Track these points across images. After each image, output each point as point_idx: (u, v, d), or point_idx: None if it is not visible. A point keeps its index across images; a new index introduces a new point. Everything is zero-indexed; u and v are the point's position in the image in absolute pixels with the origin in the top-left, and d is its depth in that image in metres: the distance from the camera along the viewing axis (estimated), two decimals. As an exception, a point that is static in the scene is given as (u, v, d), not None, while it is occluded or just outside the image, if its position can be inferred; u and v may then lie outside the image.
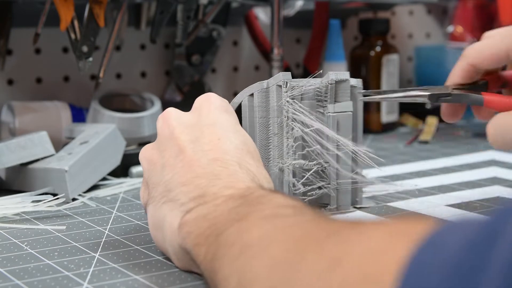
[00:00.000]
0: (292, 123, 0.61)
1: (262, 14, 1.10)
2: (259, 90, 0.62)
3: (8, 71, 0.96)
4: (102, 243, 0.58)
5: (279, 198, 0.46)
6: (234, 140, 0.54)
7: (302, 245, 0.38)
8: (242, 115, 0.62)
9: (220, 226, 0.45)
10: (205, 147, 0.52)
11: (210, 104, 0.56)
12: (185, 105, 1.05)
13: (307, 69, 1.08)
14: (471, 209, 0.66)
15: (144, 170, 0.56)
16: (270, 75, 0.98)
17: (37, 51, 0.98)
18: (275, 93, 0.61)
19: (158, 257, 0.54)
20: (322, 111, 0.62)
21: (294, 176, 0.62)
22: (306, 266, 0.35)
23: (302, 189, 0.62)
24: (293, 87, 0.61)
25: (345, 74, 0.63)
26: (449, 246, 0.29)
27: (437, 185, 0.75)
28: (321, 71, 0.66)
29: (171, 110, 0.57)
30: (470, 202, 0.68)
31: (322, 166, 0.62)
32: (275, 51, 0.96)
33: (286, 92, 0.61)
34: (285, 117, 0.61)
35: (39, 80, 0.99)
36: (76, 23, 0.82)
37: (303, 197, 0.63)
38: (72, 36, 0.82)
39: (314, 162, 0.62)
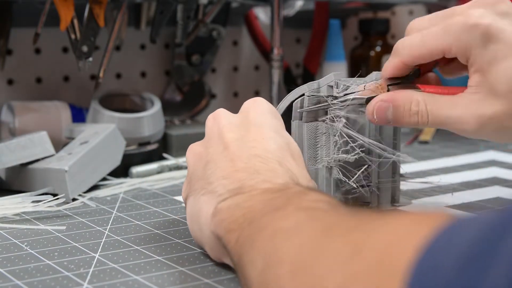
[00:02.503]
0: (338, 120, 0.61)
1: (262, 14, 1.10)
2: (310, 91, 0.62)
3: (8, 71, 0.96)
4: (102, 243, 0.58)
5: (316, 194, 0.47)
6: (278, 141, 0.55)
7: (330, 233, 0.39)
8: (293, 115, 0.62)
9: (255, 214, 0.46)
10: (249, 144, 0.54)
11: (257, 107, 0.57)
12: (185, 105, 1.05)
13: (307, 69, 1.08)
14: (471, 209, 0.66)
15: (189, 165, 0.57)
16: (270, 75, 0.98)
17: (37, 51, 0.98)
18: (326, 93, 0.61)
19: (158, 257, 0.54)
20: (363, 110, 0.61)
21: (339, 174, 0.62)
22: (330, 252, 0.37)
23: (347, 186, 0.62)
24: (345, 87, 0.61)
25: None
26: (461, 239, 0.30)
27: (437, 185, 0.75)
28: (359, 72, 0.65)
29: (221, 111, 0.58)
30: (470, 202, 0.68)
31: (365, 165, 0.62)
32: (275, 51, 0.96)
33: (339, 93, 0.61)
34: (331, 115, 0.61)
35: (39, 80, 0.99)
36: (76, 23, 0.82)
37: (346, 195, 0.63)
38: (72, 36, 0.82)
39: (356, 155, 0.61)
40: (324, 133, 0.62)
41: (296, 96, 0.62)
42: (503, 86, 0.55)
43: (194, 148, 0.58)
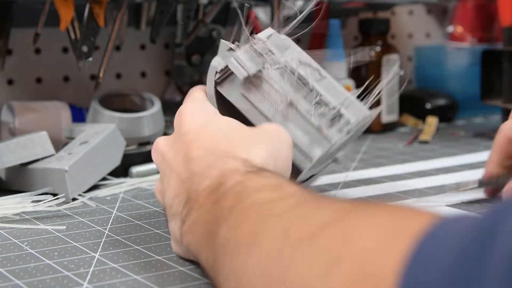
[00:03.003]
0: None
1: (262, 14, 1.10)
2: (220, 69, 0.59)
3: (8, 71, 0.96)
4: (102, 243, 0.58)
5: (255, 179, 0.46)
6: (207, 133, 0.54)
7: (294, 238, 0.37)
8: (228, 98, 0.60)
9: (212, 229, 0.45)
10: (183, 154, 0.54)
11: (182, 115, 0.57)
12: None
13: (307, 69, 1.08)
14: (471, 209, 0.66)
15: (161, 204, 0.58)
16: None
17: (37, 51, 0.98)
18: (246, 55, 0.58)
19: (158, 257, 0.54)
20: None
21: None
22: (302, 263, 0.35)
23: (320, 111, 0.57)
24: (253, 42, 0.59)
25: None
26: (449, 242, 0.29)
27: (437, 185, 0.75)
28: None
29: (158, 139, 0.58)
30: (470, 202, 0.68)
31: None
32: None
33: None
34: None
35: (39, 80, 0.99)
36: (76, 23, 0.82)
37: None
38: (72, 36, 0.82)
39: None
40: (262, 82, 0.58)
41: (213, 73, 0.59)
42: None
43: (156, 188, 0.58)
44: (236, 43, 0.60)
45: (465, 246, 0.29)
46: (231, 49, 0.59)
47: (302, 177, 0.59)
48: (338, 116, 0.57)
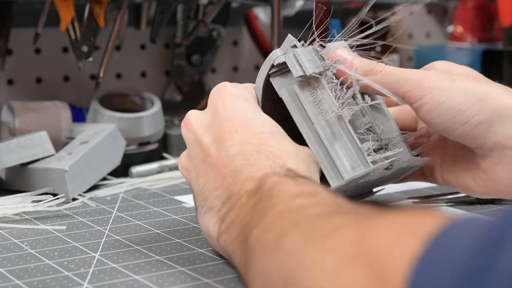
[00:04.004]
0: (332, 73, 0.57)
1: (262, 14, 1.10)
2: (277, 58, 0.57)
3: (8, 71, 0.96)
4: (102, 243, 0.58)
5: (289, 185, 0.46)
6: (253, 127, 0.53)
7: (308, 239, 0.38)
8: (277, 86, 0.57)
9: (247, 229, 0.45)
10: (226, 144, 0.52)
11: (223, 96, 0.55)
12: (185, 105, 1.05)
13: (307, 69, 1.08)
14: (471, 209, 0.66)
15: (186, 179, 0.57)
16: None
17: (37, 51, 0.98)
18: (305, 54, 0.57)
19: (158, 257, 0.54)
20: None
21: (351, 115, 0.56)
22: (314, 262, 0.35)
23: (367, 136, 0.56)
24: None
25: None
26: (458, 246, 0.29)
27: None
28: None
29: (190, 114, 0.56)
30: (470, 201, 0.68)
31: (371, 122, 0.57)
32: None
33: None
34: (328, 69, 0.56)
35: (39, 80, 0.99)
36: (76, 23, 0.82)
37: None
38: (72, 36, 0.82)
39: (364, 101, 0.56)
40: (317, 87, 0.56)
41: (268, 68, 0.58)
42: None
43: (181, 162, 0.56)
44: (302, 41, 0.58)
45: (476, 248, 0.29)
46: (295, 45, 0.58)
47: None
48: (384, 148, 0.56)
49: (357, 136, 0.55)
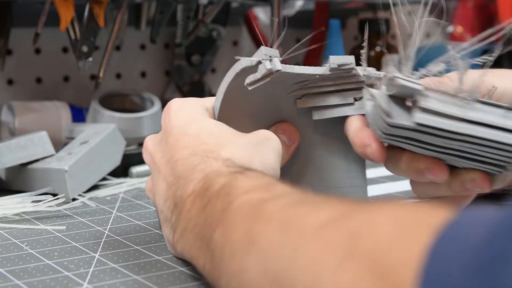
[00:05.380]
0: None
1: (262, 14, 1.10)
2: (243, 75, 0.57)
3: (8, 71, 0.96)
4: (102, 243, 0.58)
5: (241, 180, 0.45)
6: (190, 131, 0.53)
7: (295, 233, 0.36)
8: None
9: (205, 234, 0.45)
10: (169, 154, 0.53)
11: (168, 111, 0.56)
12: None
13: (307, 69, 1.08)
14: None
15: (152, 201, 0.58)
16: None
17: (37, 51, 0.98)
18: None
19: (158, 257, 0.54)
20: None
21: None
22: (308, 257, 0.34)
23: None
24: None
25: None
26: (469, 237, 0.29)
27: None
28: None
29: (147, 139, 0.58)
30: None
31: None
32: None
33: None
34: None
35: (39, 80, 0.99)
36: (76, 23, 0.82)
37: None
38: (72, 36, 0.82)
39: None
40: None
41: (235, 71, 0.58)
42: None
43: (146, 186, 0.58)
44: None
45: (488, 238, 0.28)
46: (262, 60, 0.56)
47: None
48: None
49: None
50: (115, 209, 0.68)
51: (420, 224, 0.31)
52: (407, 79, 0.52)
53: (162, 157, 0.54)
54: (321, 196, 0.41)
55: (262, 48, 0.55)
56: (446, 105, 0.50)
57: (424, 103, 0.50)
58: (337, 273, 0.32)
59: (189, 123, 0.54)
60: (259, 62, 0.55)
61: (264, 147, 0.53)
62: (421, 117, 0.49)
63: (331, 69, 0.57)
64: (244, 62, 0.56)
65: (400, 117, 0.50)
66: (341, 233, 0.34)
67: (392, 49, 1.09)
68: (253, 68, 0.55)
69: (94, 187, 0.74)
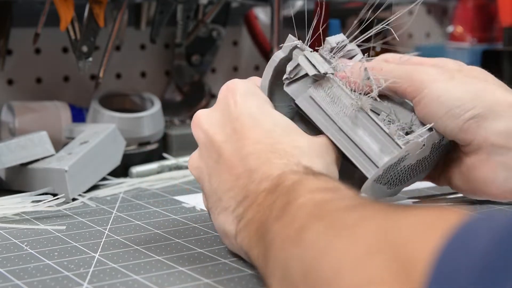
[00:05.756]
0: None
1: (262, 14, 1.10)
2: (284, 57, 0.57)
3: (8, 71, 0.96)
4: (102, 243, 0.58)
5: (310, 181, 0.46)
6: (264, 125, 0.53)
7: (333, 230, 0.38)
8: (296, 101, 0.57)
9: (266, 226, 0.45)
10: (238, 144, 0.52)
11: (234, 93, 0.55)
12: (185, 105, 1.05)
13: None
14: (471, 209, 0.66)
15: (197, 180, 0.56)
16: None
17: (37, 51, 0.98)
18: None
19: (158, 257, 0.54)
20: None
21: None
22: (336, 252, 0.36)
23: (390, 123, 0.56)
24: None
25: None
26: (479, 239, 0.30)
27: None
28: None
29: (199, 113, 0.56)
30: (470, 201, 0.68)
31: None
32: (275, 51, 0.96)
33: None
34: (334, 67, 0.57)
35: (39, 80, 0.99)
36: (76, 23, 0.82)
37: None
38: (72, 36, 0.82)
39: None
40: (331, 86, 0.56)
41: (272, 66, 0.57)
42: None
43: (192, 162, 0.56)
44: (300, 41, 0.58)
45: (497, 240, 0.29)
46: (296, 46, 0.57)
47: (366, 188, 0.56)
48: (409, 132, 0.56)
49: (382, 123, 0.55)
50: (115, 209, 0.68)
51: (438, 225, 0.32)
52: (313, 59, 0.56)
53: (225, 141, 0.53)
54: (378, 202, 0.42)
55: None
56: (327, 99, 0.55)
57: (312, 89, 0.56)
58: (359, 265, 0.34)
59: (260, 114, 0.53)
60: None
61: (328, 157, 0.54)
62: (300, 100, 0.56)
63: (331, 49, 0.60)
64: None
65: (295, 88, 0.56)
66: (369, 230, 0.36)
67: (392, 49, 1.09)
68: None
69: (94, 187, 0.74)
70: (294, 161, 0.50)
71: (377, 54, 1.10)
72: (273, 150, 0.51)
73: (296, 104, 0.57)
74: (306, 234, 0.40)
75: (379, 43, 0.61)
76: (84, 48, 0.82)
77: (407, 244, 0.32)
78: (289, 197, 0.45)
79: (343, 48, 0.60)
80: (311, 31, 0.58)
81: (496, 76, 0.61)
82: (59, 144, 0.82)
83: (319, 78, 0.56)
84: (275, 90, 0.58)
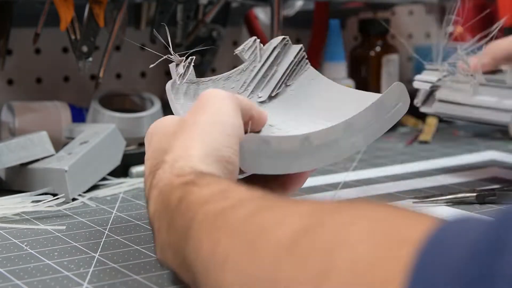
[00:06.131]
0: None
1: (262, 14, 1.10)
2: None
3: (8, 71, 0.96)
4: (102, 243, 0.58)
5: (196, 192, 0.43)
6: (161, 127, 0.52)
7: (266, 251, 0.34)
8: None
9: (179, 251, 0.43)
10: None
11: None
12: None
13: (307, 69, 1.08)
14: (470, 209, 0.66)
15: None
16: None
17: (37, 51, 0.98)
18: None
19: (158, 257, 0.54)
20: None
21: None
22: (288, 276, 0.32)
23: None
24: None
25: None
26: (453, 254, 0.27)
27: (437, 185, 0.75)
28: None
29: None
30: (470, 201, 0.68)
31: None
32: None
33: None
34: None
35: (39, 80, 0.99)
36: (76, 23, 0.82)
37: None
38: (72, 36, 0.82)
39: None
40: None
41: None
42: None
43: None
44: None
45: (473, 252, 0.27)
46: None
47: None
48: None
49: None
50: (115, 209, 0.68)
51: (401, 237, 0.29)
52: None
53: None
54: (284, 199, 0.39)
55: None
56: None
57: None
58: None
59: (163, 119, 0.53)
60: None
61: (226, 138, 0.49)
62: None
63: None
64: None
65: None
66: (315, 249, 0.32)
67: (392, 49, 1.09)
68: None
69: (94, 187, 0.74)
70: (166, 162, 0.47)
71: (377, 54, 1.10)
72: (154, 161, 0.49)
73: None
74: (229, 257, 0.37)
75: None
76: (84, 48, 0.82)
77: (368, 263, 0.29)
78: (185, 218, 0.42)
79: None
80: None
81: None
82: (59, 144, 0.82)
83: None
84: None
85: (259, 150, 0.52)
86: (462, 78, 0.71)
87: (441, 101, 0.72)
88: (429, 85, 0.72)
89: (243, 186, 0.43)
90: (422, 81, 0.74)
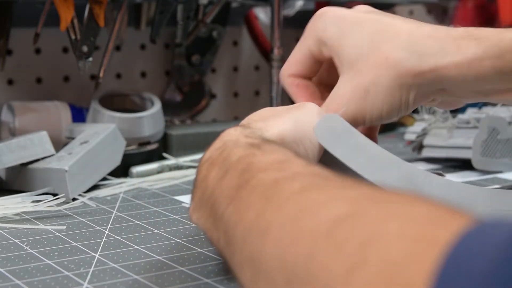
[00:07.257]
0: None
1: (262, 14, 1.10)
2: None
3: (8, 71, 0.96)
4: (102, 243, 0.58)
5: (258, 155, 0.44)
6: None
7: (308, 231, 0.34)
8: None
9: (219, 208, 0.43)
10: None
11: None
12: (185, 105, 1.05)
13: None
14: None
15: None
16: (270, 75, 0.98)
17: (37, 51, 0.98)
18: None
19: (158, 257, 0.54)
20: None
21: None
22: (324, 258, 0.32)
23: None
24: None
25: None
26: (479, 259, 0.26)
27: (437, 185, 0.75)
28: None
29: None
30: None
31: None
32: (275, 51, 0.96)
33: None
34: None
35: (39, 80, 0.99)
36: (76, 23, 0.82)
37: None
38: (72, 36, 0.82)
39: None
40: None
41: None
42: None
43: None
44: None
45: (501, 259, 0.26)
46: None
47: None
48: None
49: None
50: (115, 209, 0.68)
51: (433, 238, 0.29)
52: None
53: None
54: (338, 179, 0.38)
55: None
56: None
57: None
58: (348, 280, 0.30)
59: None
60: None
61: (299, 112, 0.54)
62: None
63: None
64: None
65: None
66: (351, 239, 0.32)
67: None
68: None
69: (94, 187, 0.74)
70: (244, 125, 0.50)
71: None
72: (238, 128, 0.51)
73: None
74: (272, 229, 0.37)
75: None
76: (84, 48, 0.82)
77: (400, 261, 0.29)
78: (241, 178, 0.42)
79: None
80: None
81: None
82: (59, 144, 0.82)
83: None
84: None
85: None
86: (441, 124, 0.85)
87: (427, 146, 0.85)
88: (415, 135, 0.85)
89: (304, 160, 0.43)
90: (410, 133, 0.87)
